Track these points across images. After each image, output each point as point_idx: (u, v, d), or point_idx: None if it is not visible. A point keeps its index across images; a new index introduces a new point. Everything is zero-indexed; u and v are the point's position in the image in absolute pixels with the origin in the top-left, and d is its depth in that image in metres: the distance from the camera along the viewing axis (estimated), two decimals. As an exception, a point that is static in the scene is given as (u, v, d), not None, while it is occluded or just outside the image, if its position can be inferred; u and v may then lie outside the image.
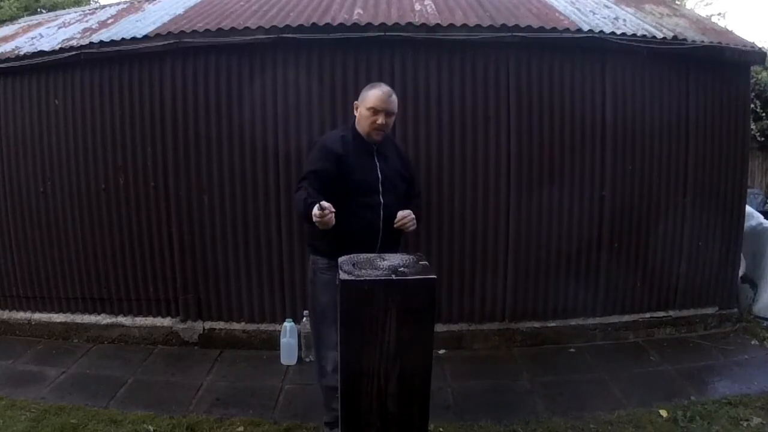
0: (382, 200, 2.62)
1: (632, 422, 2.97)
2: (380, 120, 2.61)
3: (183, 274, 4.04)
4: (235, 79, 3.85)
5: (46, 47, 4.10)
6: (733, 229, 4.29)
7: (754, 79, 8.22)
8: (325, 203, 2.36)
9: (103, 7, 5.73)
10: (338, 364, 2.19)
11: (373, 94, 2.63)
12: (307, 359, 3.77)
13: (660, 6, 4.87)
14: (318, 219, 2.38)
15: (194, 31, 3.80)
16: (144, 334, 4.09)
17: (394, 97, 2.65)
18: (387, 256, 2.38)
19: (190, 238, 3.99)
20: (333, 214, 2.39)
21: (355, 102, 2.72)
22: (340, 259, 2.34)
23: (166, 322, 4.10)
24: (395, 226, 2.60)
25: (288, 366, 3.71)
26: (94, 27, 4.53)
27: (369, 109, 2.62)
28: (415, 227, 2.68)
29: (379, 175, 2.65)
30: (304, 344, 3.77)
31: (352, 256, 2.48)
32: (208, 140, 3.91)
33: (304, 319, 3.74)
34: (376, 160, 2.67)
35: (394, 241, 2.68)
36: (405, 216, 2.61)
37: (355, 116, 2.72)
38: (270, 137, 3.87)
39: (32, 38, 4.62)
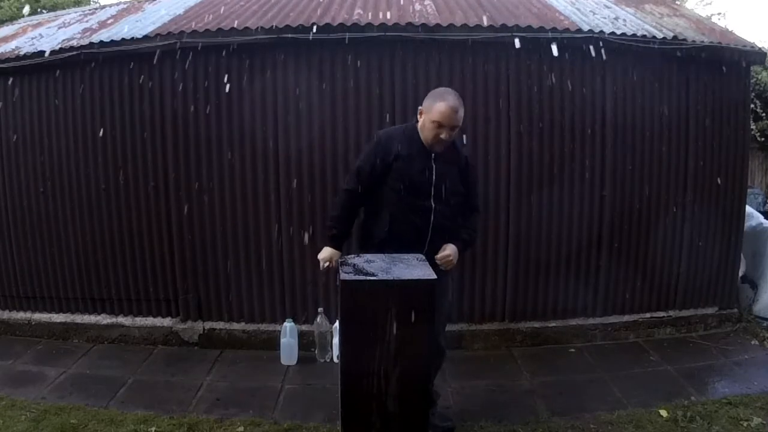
0: (432, 204, 2.63)
1: (632, 422, 2.96)
2: (444, 135, 2.56)
3: (183, 274, 4.04)
4: (235, 79, 3.84)
5: (46, 47, 4.10)
6: (733, 229, 4.29)
7: (754, 79, 8.22)
8: (326, 265, 2.70)
9: (103, 7, 5.73)
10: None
11: (439, 109, 2.54)
12: (322, 360, 3.77)
13: (660, 6, 4.87)
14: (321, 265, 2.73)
15: (194, 31, 3.79)
16: (144, 334, 4.09)
17: (462, 111, 2.58)
18: (391, 256, 2.39)
19: (190, 238, 3.99)
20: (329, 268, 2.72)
21: (420, 107, 2.68)
22: (340, 259, 2.34)
23: (166, 322, 4.10)
24: (437, 261, 2.61)
25: (288, 366, 3.71)
26: (94, 27, 4.53)
27: (434, 122, 2.56)
28: (456, 262, 2.70)
29: (434, 180, 2.63)
30: (319, 344, 3.77)
31: (353, 255, 2.48)
32: (208, 140, 3.91)
33: (318, 318, 3.74)
34: (434, 164, 2.64)
35: (440, 245, 2.67)
36: (447, 255, 2.64)
37: (417, 119, 2.69)
38: (270, 137, 3.87)
39: (32, 38, 4.62)
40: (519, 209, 3.94)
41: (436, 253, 2.62)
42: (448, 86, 3.77)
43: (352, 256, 2.49)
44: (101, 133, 4.00)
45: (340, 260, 2.39)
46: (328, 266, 2.72)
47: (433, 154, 2.64)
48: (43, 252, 4.21)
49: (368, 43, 3.76)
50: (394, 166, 2.62)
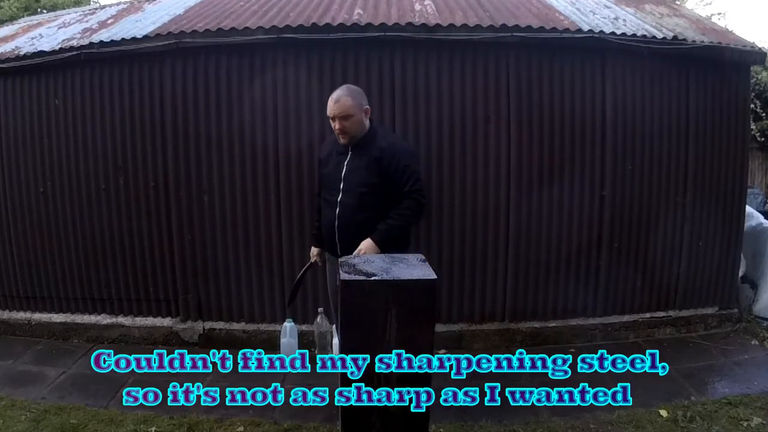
0: (339, 198, 2.84)
1: (632, 422, 2.97)
2: (336, 125, 2.81)
3: (183, 274, 4.04)
4: (235, 79, 3.85)
5: (46, 47, 4.10)
6: (733, 229, 4.29)
7: (754, 79, 8.23)
8: (312, 260, 3.29)
9: (103, 7, 5.73)
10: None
11: (328, 103, 2.84)
12: None
13: (660, 6, 4.87)
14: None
15: (194, 31, 3.80)
16: (144, 334, 4.09)
17: (344, 100, 2.78)
18: (391, 256, 2.39)
19: (190, 238, 3.99)
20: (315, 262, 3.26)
21: None
22: (340, 260, 2.34)
23: (166, 322, 4.10)
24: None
25: (288, 366, 3.71)
26: (94, 27, 4.53)
27: (328, 116, 2.86)
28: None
29: (342, 174, 2.84)
30: (319, 344, 3.77)
31: (353, 256, 2.49)
32: (208, 140, 3.91)
33: (318, 318, 3.74)
34: (347, 159, 2.86)
35: (354, 238, 2.77)
36: (358, 252, 2.70)
37: None
38: (270, 137, 3.87)
39: (32, 38, 4.62)
40: (519, 209, 3.94)
41: (350, 245, 2.76)
42: (449, 86, 3.83)
43: (352, 256, 2.49)
44: (101, 133, 4.00)
45: (340, 260, 2.39)
46: (314, 261, 3.25)
47: (350, 151, 2.86)
48: (43, 252, 4.21)
49: (368, 43, 3.76)
50: (320, 170, 3.05)
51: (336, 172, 2.87)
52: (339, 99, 2.78)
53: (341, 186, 2.84)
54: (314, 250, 3.25)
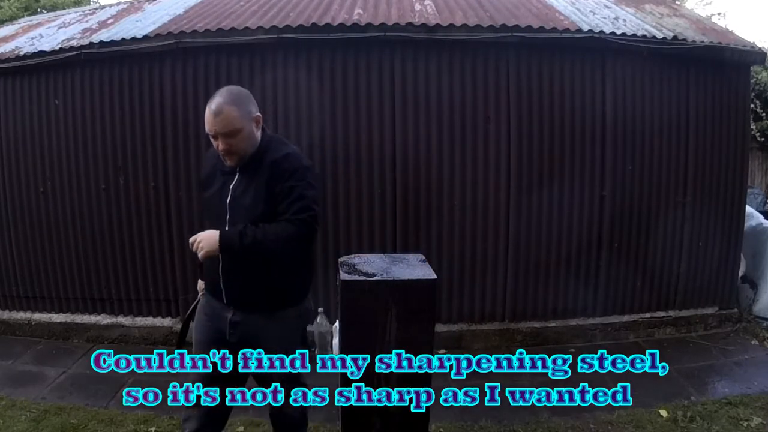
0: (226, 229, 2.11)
1: (632, 422, 2.97)
2: (219, 145, 2.11)
3: (183, 274, 4.04)
4: (235, 79, 3.84)
5: (46, 47, 4.10)
6: (733, 229, 4.29)
7: (754, 79, 8.22)
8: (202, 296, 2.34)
9: (103, 7, 5.73)
10: None
11: (205, 117, 2.10)
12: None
13: (660, 6, 4.87)
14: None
15: (194, 31, 3.79)
16: (144, 334, 4.09)
17: (227, 111, 2.07)
18: (391, 256, 2.39)
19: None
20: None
21: None
22: (340, 260, 2.35)
23: (166, 322, 4.10)
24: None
25: (288, 366, 3.71)
26: (94, 27, 4.53)
27: (208, 134, 2.12)
28: (205, 253, 2.02)
29: (227, 202, 2.13)
30: (319, 344, 3.77)
31: (353, 256, 2.49)
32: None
33: (318, 318, 3.74)
34: (235, 180, 2.16)
35: (243, 286, 2.13)
36: (193, 240, 2.07)
37: None
38: (270, 137, 3.86)
39: (32, 38, 4.62)
40: (519, 209, 3.94)
41: (239, 294, 2.15)
42: (449, 86, 3.82)
43: (352, 256, 2.49)
44: (101, 133, 4.00)
45: (339, 261, 2.39)
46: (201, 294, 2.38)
47: (237, 171, 2.16)
48: (43, 252, 4.21)
49: (368, 43, 3.76)
50: (202, 192, 2.33)
51: (220, 199, 2.16)
52: (220, 110, 2.06)
53: (227, 217, 2.12)
54: (201, 284, 2.37)
